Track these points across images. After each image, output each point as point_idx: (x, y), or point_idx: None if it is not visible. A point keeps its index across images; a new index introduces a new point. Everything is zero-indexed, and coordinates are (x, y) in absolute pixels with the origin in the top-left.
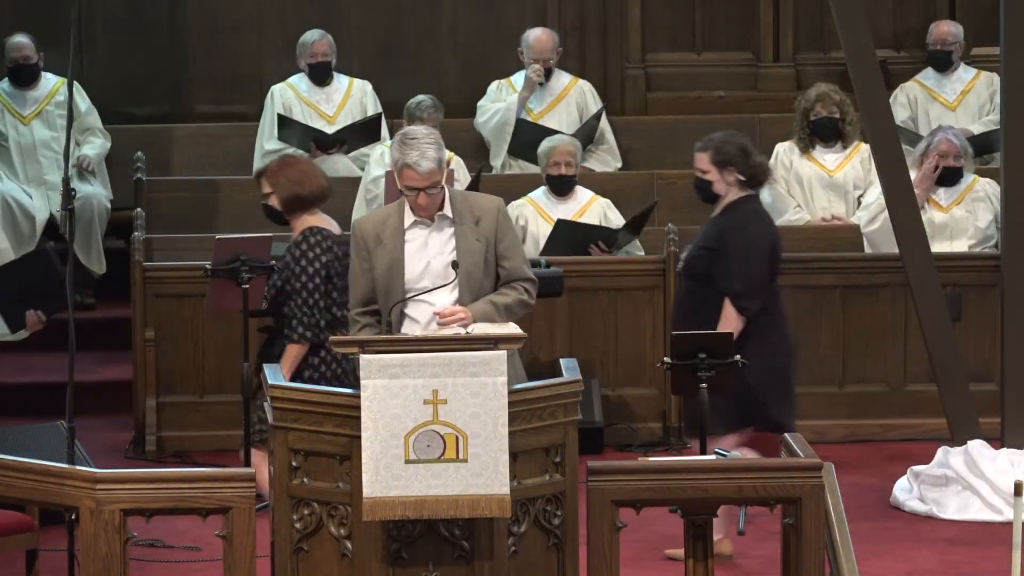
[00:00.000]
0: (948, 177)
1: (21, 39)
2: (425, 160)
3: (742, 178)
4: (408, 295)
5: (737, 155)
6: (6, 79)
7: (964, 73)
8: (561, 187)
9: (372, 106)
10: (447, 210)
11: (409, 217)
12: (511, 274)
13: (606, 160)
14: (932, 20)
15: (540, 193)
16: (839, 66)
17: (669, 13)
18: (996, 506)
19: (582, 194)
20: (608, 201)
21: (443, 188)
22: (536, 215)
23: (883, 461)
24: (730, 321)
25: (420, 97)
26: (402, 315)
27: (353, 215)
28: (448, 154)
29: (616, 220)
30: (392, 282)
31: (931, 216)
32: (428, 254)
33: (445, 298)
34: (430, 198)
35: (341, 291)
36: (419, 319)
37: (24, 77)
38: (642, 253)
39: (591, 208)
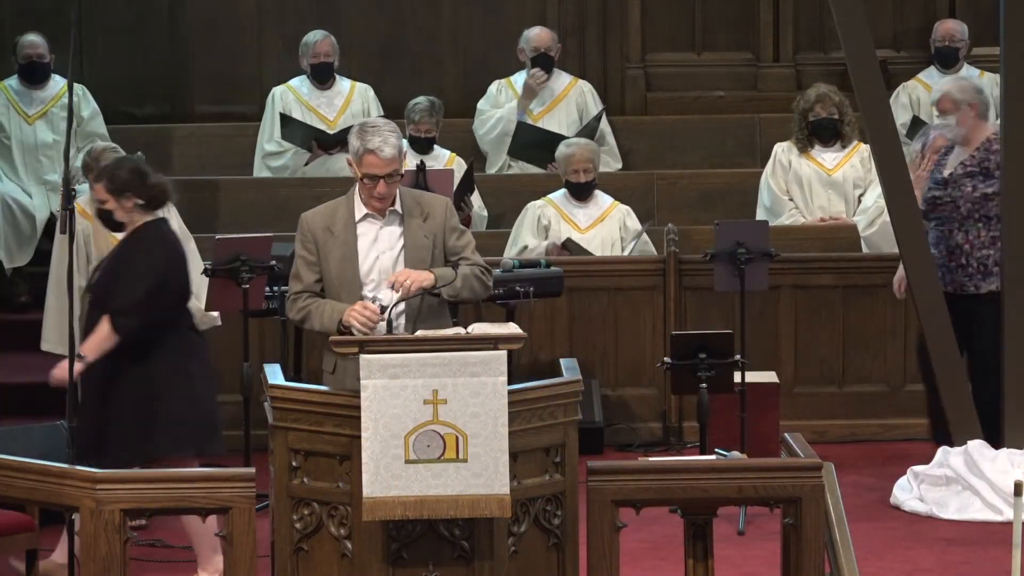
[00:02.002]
0: None
1: (35, 38)
2: (387, 146)
3: (140, 202)
4: (393, 302)
5: (131, 180)
6: (14, 77)
7: (967, 73)
8: (580, 192)
9: (374, 110)
10: (397, 206)
11: (360, 211)
12: (470, 263)
13: (606, 161)
14: (932, 20)
15: (560, 196)
16: (839, 66)
17: (669, 13)
18: (996, 506)
19: (602, 199)
20: (628, 208)
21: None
22: (558, 217)
23: (883, 461)
24: (100, 337)
25: (418, 99)
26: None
27: None
28: (449, 154)
29: (634, 226)
30: (346, 274)
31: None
32: (377, 249)
33: (389, 296)
34: (389, 187)
35: None
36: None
37: (36, 75)
38: (653, 251)
39: (611, 214)
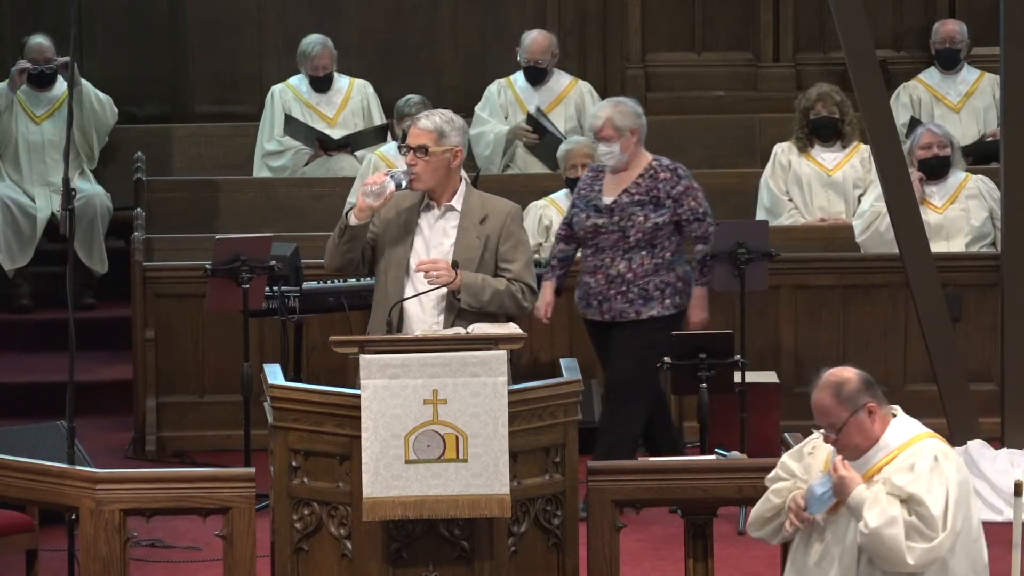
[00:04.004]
0: (937, 168)
1: (42, 40)
2: (426, 119)
3: None
4: (403, 299)
5: None
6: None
7: (968, 74)
8: None
9: (374, 107)
10: (456, 202)
11: (424, 200)
12: (514, 277)
13: None
14: (932, 20)
15: (562, 196)
16: (839, 66)
17: (669, 13)
18: (996, 506)
19: None
20: None
21: (458, 177)
22: (559, 216)
23: None
24: None
25: (408, 96)
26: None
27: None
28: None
29: None
30: (397, 256)
31: (926, 217)
32: (430, 240)
33: (435, 292)
34: (416, 160)
35: None
36: (417, 305)
37: (44, 80)
38: None
39: None
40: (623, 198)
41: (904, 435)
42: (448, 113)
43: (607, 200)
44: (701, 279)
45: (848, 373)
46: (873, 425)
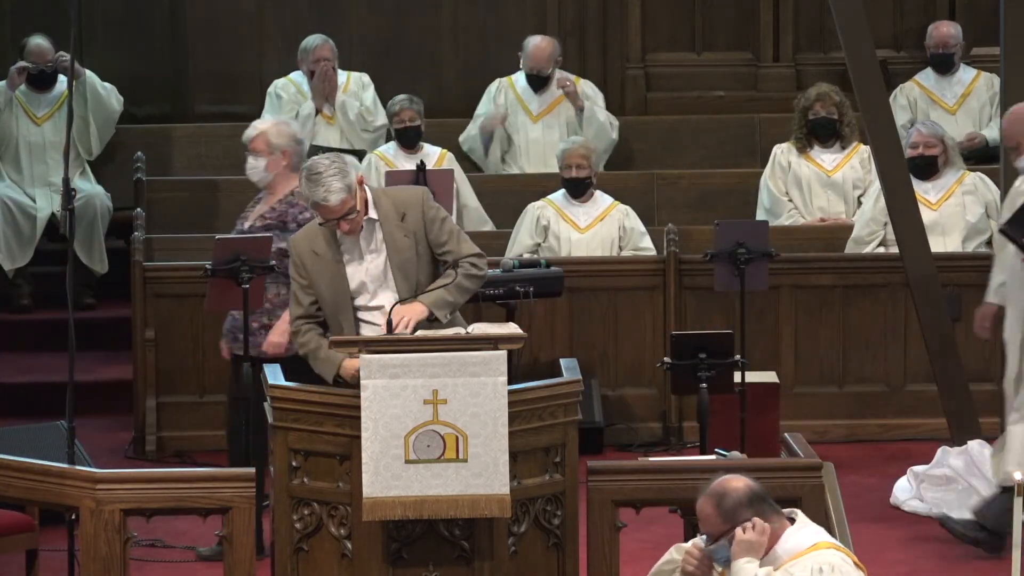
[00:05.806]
0: (925, 168)
1: (41, 41)
2: (332, 194)
3: None
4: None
5: None
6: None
7: (964, 75)
8: (575, 189)
9: (371, 97)
10: (371, 212)
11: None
12: (456, 256)
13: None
14: (932, 20)
15: (559, 196)
16: (839, 66)
17: (669, 13)
18: None
19: (601, 200)
20: (628, 208)
21: (364, 191)
22: (558, 216)
23: (883, 461)
24: None
25: (396, 96)
26: (357, 323)
27: None
28: (440, 152)
29: (634, 227)
30: (338, 294)
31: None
32: (364, 261)
33: (389, 301)
34: (350, 223)
35: None
36: (375, 322)
37: (46, 82)
38: (653, 251)
39: (611, 214)
40: (256, 223)
41: (798, 546)
42: (333, 166)
43: (245, 225)
44: None
45: (735, 484)
46: None
